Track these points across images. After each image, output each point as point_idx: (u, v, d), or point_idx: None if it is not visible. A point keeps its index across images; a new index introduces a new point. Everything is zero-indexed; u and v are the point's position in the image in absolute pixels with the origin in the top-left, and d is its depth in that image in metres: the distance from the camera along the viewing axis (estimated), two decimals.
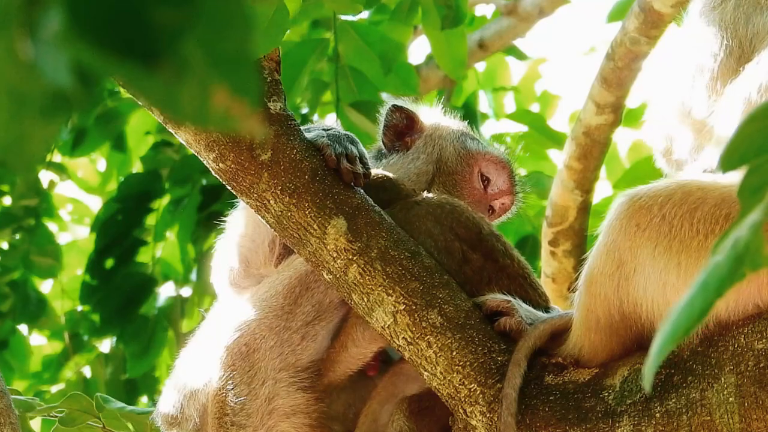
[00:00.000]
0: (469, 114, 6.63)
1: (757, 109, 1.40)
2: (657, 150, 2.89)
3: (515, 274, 2.79)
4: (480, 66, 7.27)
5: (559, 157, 5.54)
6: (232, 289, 3.00)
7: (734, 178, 2.40)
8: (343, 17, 5.47)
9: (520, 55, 7.29)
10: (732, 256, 1.33)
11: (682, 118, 2.79)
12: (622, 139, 6.78)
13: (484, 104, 7.19)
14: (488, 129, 7.09)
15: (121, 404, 3.09)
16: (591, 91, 4.80)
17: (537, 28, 6.94)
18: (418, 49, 9.10)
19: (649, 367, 1.36)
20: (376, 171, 2.89)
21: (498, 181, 3.18)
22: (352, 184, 2.71)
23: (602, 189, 6.23)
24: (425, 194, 2.88)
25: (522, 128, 6.35)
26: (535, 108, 7.34)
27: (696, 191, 2.45)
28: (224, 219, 3.09)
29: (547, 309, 2.78)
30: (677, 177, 2.69)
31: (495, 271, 2.77)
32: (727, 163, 1.39)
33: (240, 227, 2.99)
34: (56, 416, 3.07)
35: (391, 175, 2.94)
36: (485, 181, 3.17)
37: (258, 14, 2.74)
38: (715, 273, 1.34)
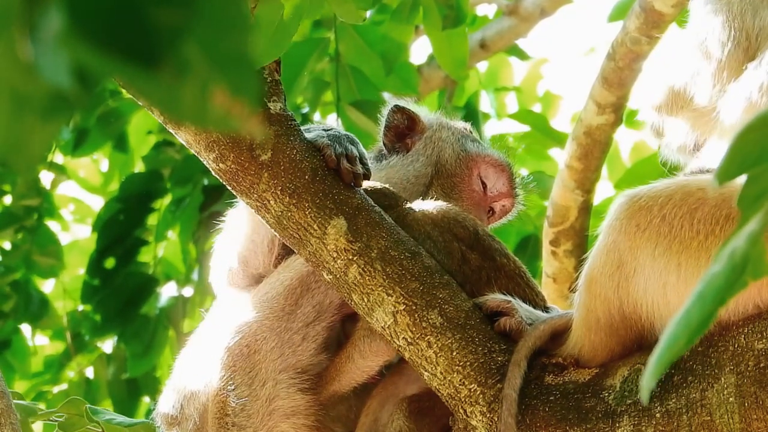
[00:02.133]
0: (471, 114, 6.63)
1: (754, 119, 1.39)
2: (652, 132, 2.88)
3: (513, 273, 2.79)
4: (482, 66, 7.27)
5: (560, 157, 5.54)
6: (231, 290, 3.00)
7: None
8: None
9: (522, 55, 7.28)
10: (729, 266, 1.33)
11: (682, 104, 2.78)
12: (624, 139, 6.78)
13: (485, 104, 7.19)
14: (490, 129, 7.09)
15: (111, 415, 3.04)
16: (592, 91, 4.80)
17: (539, 28, 6.94)
18: (420, 49, 9.10)
19: (647, 379, 1.36)
20: (374, 183, 2.88)
21: (497, 184, 3.18)
22: (352, 184, 2.71)
23: (603, 189, 6.23)
24: (420, 202, 2.89)
25: (524, 128, 6.35)
26: (537, 108, 7.34)
27: (696, 192, 2.45)
28: (225, 219, 3.09)
29: (545, 309, 2.79)
30: (678, 177, 2.69)
31: (493, 270, 2.77)
32: (725, 173, 1.39)
33: (238, 227, 2.99)
34: (56, 420, 3.05)
35: (388, 186, 2.94)
36: (484, 183, 3.17)
37: (264, 21, 2.74)
38: (712, 284, 1.34)
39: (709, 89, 2.72)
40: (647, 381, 1.38)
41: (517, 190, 3.21)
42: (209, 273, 3.16)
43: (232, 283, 2.99)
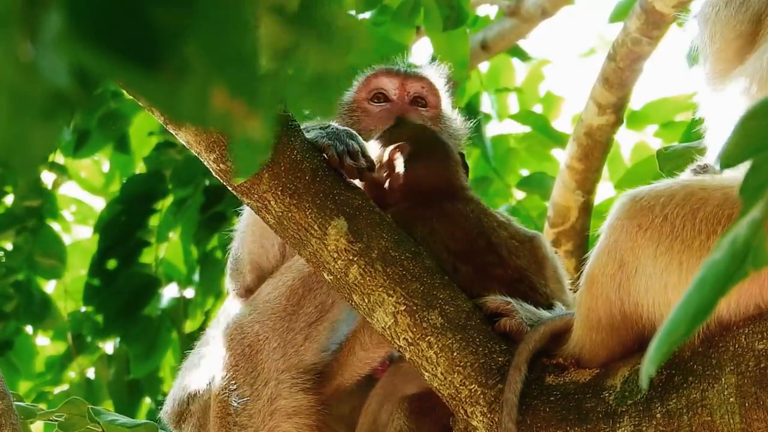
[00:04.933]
0: (472, 115, 6.63)
1: (756, 105, 1.39)
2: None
3: (510, 280, 2.77)
4: (483, 67, 7.27)
5: (561, 158, 5.54)
6: (246, 295, 3.00)
7: (736, 178, 2.40)
8: None
9: (524, 56, 7.28)
10: (730, 253, 1.32)
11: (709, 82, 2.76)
12: (625, 139, 6.79)
13: (487, 105, 7.19)
14: (491, 130, 7.08)
15: (113, 416, 3.03)
16: (592, 91, 4.81)
17: (540, 28, 6.94)
18: (422, 50, 9.10)
19: (647, 366, 1.36)
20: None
21: (389, 85, 3.18)
22: (356, 180, 2.71)
23: (604, 190, 6.23)
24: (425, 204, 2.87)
25: (525, 129, 6.35)
26: (538, 109, 7.34)
27: (698, 191, 2.44)
28: (227, 220, 3.09)
29: (550, 307, 2.77)
30: (680, 177, 2.69)
31: (487, 281, 2.75)
32: (727, 160, 1.38)
33: (249, 233, 3.00)
34: (56, 420, 3.05)
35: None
36: (381, 96, 3.17)
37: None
38: (712, 271, 1.33)
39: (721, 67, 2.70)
40: (647, 367, 1.37)
41: (412, 71, 3.19)
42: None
43: (248, 290, 3.00)
